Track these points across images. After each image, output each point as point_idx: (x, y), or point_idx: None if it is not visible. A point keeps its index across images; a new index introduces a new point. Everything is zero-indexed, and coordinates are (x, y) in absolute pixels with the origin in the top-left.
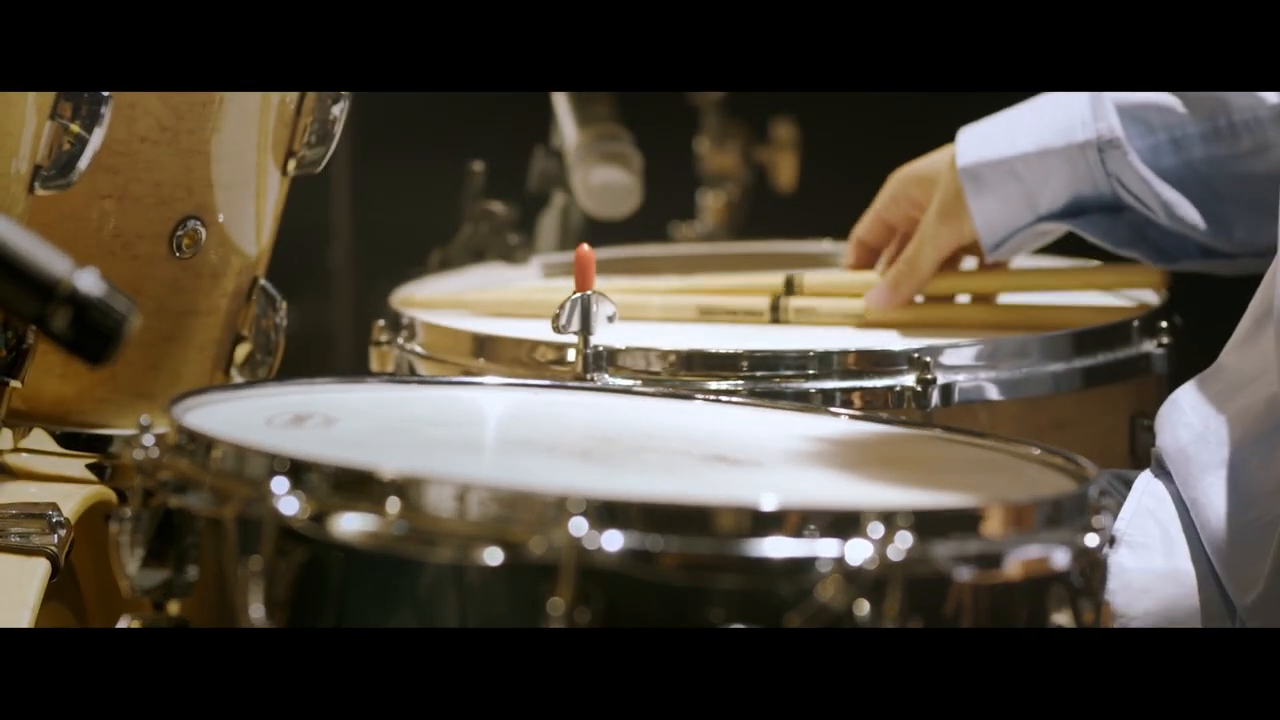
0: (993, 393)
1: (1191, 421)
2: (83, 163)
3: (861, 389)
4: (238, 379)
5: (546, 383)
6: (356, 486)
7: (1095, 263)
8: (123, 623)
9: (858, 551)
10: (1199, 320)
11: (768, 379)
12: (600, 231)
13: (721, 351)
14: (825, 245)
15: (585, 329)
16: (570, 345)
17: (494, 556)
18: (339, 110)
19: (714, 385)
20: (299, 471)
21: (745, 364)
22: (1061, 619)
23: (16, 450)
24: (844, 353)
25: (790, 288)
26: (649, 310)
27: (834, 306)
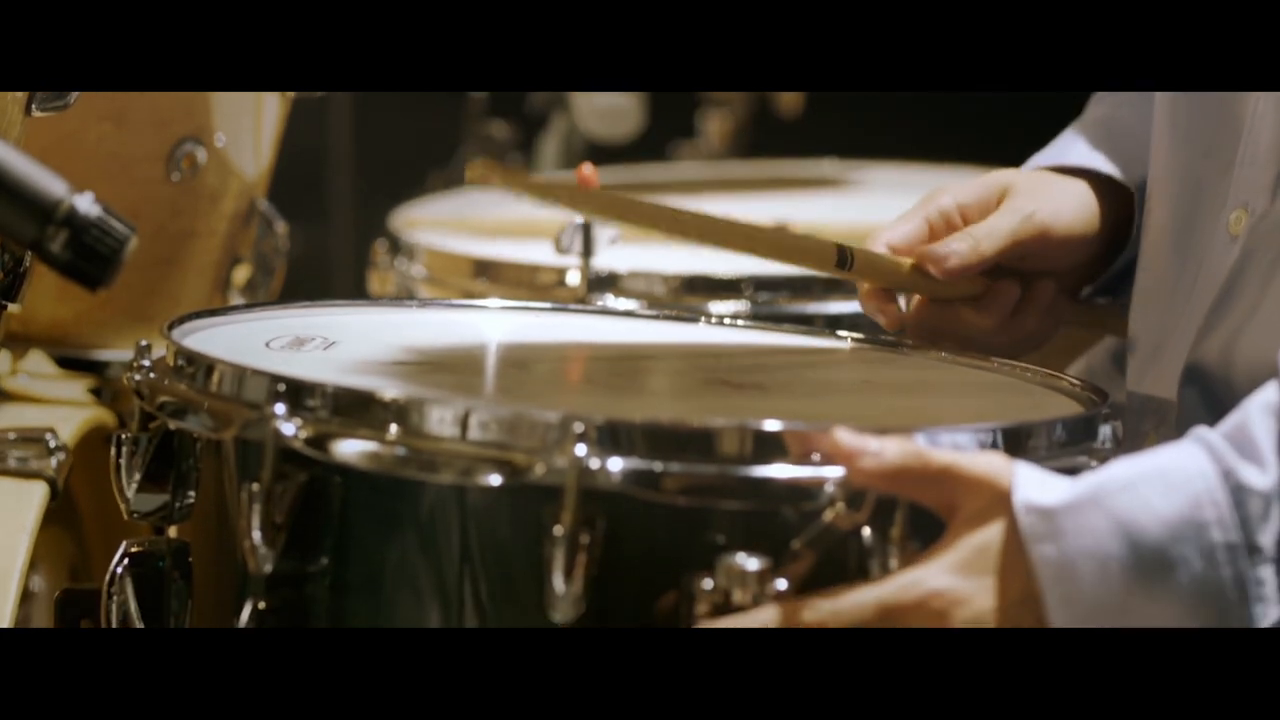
0: None
1: None
2: None
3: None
4: (237, 301)
5: (548, 305)
6: (357, 409)
7: None
8: (120, 553)
9: None
10: None
11: (771, 302)
12: (601, 154)
13: (725, 275)
14: (826, 167)
15: (587, 251)
16: (572, 268)
17: (495, 479)
18: None
19: (717, 308)
20: (299, 394)
21: (749, 287)
22: None
23: (15, 373)
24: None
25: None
26: (651, 232)
27: (839, 230)
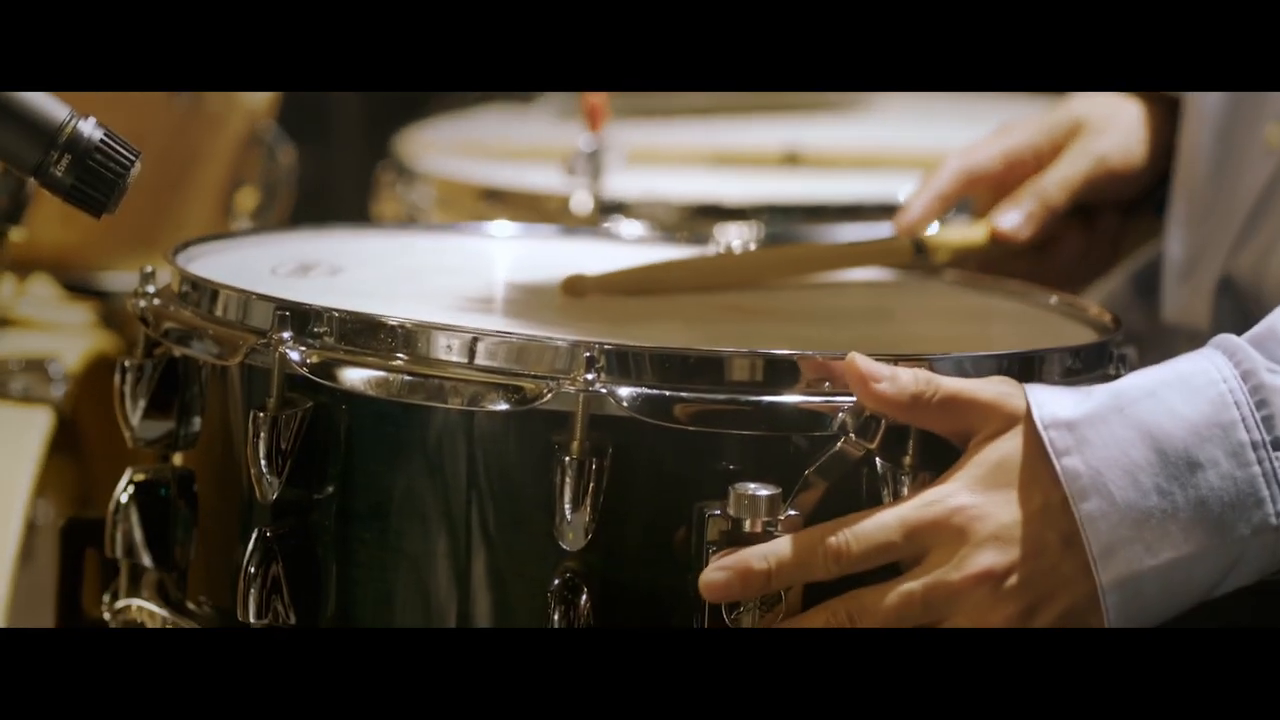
0: None
1: None
2: None
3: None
4: (242, 226)
5: (556, 229)
6: (363, 335)
7: None
8: (125, 481)
9: None
10: None
11: (782, 233)
12: None
13: (737, 204)
14: (831, 94)
15: (596, 175)
16: (581, 191)
17: (503, 406)
18: None
19: (727, 233)
20: (305, 320)
21: (761, 215)
22: None
23: (20, 296)
24: (863, 204)
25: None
26: (661, 155)
27: (849, 153)
